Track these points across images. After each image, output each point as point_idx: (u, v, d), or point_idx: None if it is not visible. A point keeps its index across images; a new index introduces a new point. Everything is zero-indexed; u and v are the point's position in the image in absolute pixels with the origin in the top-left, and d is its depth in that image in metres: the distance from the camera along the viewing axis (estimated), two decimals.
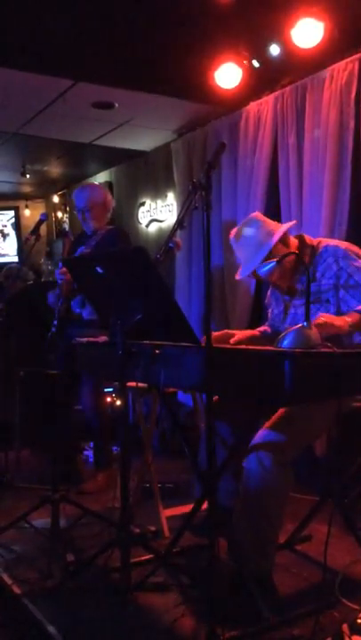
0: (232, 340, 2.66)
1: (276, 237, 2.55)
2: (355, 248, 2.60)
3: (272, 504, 2.24)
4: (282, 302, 2.77)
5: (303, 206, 3.89)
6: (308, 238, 2.67)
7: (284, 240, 2.61)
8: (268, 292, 2.91)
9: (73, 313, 3.83)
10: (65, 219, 7.51)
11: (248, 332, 2.86)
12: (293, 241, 2.66)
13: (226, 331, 2.77)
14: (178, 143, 5.14)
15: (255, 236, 2.59)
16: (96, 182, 6.75)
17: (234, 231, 2.67)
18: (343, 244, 2.59)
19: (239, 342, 2.68)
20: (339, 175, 3.68)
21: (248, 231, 2.61)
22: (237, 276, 2.70)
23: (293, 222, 2.74)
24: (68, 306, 3.82)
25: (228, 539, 2.32)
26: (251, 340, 2.76)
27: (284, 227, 2.63)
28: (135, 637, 2.08)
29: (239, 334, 2.74)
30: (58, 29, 3.56)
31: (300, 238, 2.67)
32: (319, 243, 2.63)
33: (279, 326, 2.75)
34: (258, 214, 2.73)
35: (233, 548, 2.27)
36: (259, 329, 2.95)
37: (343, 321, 2.30)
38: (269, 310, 2.90)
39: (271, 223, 2.66)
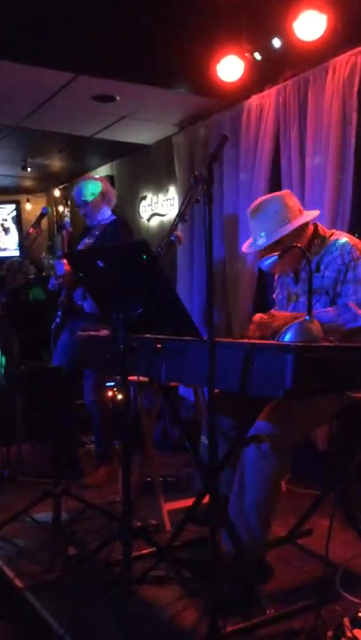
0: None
1: (296, 224, 2.51)
2: None
3: (268, 489, 2.25)
4: (286, 289, 2.76)
5: (305, 200, 3.87)
6: (321, 229, 2.64)
7: (301, 226, 2.56)
8: (276, 276, 2.87)
9: (75, 305, 3.83)
10: (66, 212, 7.47)
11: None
12: (310, 228, 2.62)
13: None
14: (179, 137, 5.12)
15: (277, 215, 2.53)
16: (97, 176, 6.72)
17: (256, 203, 2.62)
18: (353, 240, 2.55)
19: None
20: (341, 168, 3.67)
21: (271, 207, 2.55)
22: (247, 249, 2.65)
23: (317, 213, 2.65)
24: (70, 298, 3.82)
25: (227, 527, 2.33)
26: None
27: (309, 215, 2.59)
28: (137, 631, 2.08)
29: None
30: (58, 22, 3.54)
31: (315, 227, 2.63)
32: (332, 235, 2.61)
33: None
34: (288, 191, 2.68)
35: (231, 534, 2.28)
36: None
37: (284, 320, 2.32)
38: (275, 294, 2.88)
39: (295, 207, 2.59)
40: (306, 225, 2.58)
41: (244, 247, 2.68)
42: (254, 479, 2.25)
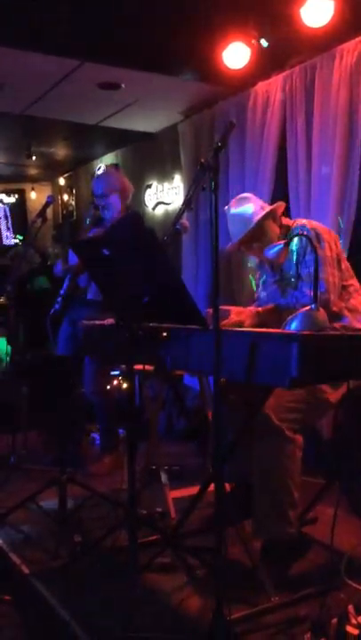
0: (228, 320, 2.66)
1: (258, 217, 2.65)
2: (322, 230, 2.60)
3: (289, 466, 2.30)
4: (270, 284, 2.80)
5: (312, 188, 3.86)
6: (285, 220, 2.75)
7: (275, 219, 2.71)
8: (257, 276, 2.98)
9: (79, 289, 3.83)
10: (71, 201, 7.48)
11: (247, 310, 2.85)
12: (278, 220, 2.74)
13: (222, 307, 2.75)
14: (185, 124, 5.09)
15: (243, 213, 2.68)
16: (102, 164, 6.70)
17: (227, 207, 2.77)
18: (312, 225, 2.62)
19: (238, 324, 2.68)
20: (348, 156, 3.64)
21: (238, 208, 2.71)
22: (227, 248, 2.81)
23: (280, 204, 2.79)
24: (75, 284, 3.82)
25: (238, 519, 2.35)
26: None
27: (271, 207, 2.72)
28: (142, 617, 2.09)
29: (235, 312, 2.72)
30: (63, 9, 3.52)
31: (280, 219, 2.75)
32: (294, 222, 2.71)
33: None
34: (250, 194, 2.83)
35: (257, 519, 2.34)
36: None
37: (251, 317, 2.50)
38: (257, 292, 2.94)
39: (260, 202, 2.76)
40: (272, 219, 2.69)
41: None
42: (273, 462, 2.29)
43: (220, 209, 1.90)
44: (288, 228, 2.69)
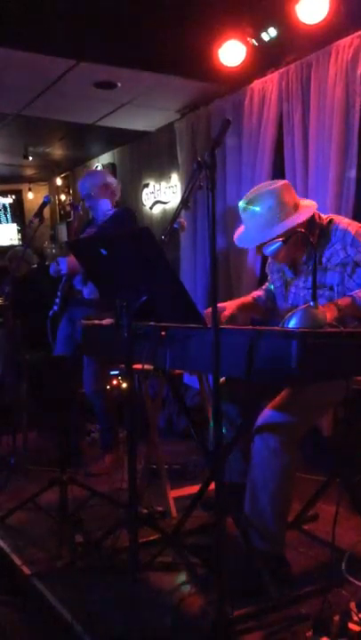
0: (223, 317, 2.57)
1: (289, 224, 2.41)
2: None
3: (281, 485, 2.25)
4: (282, 276, 2.69)
5: (309, 185, 3.85)
6: (318, 216, 2.52)
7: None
8: (269, 260, 2.77)
9: (75, 291, 3.83)
10: (68, 201, 7.47)
11: (239, 301, 2.79)
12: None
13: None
14: (181, 123, 5.09)
15: (269, 212, 2.43)
16: (99, 164, 6.70)
17: (249, 195, 2.52)
18: (353, 228, 2.43)
19: (232, 316, 2.63)
20: (345, 153, 3.64)
21: (264, 203, 2.44)
22: (237, 242, 2.57)
23: (314, 206, 2.51)
24: (70, 284, 3.82)
25: (238, 517, 2.33)
26: (242, 308, 2.73)
27: (304, 214, 2.45)
28: (144, 616, 2.09)
29: (229, 307, 2.65)
30: (59, 8, 3.51)
31: (312, 216, 2.49)
32: (330, 223, 2.48)
33: (280, 304, 2.72)
34: (285, 183, 2.53)
35: (243, 526, 2.29)
36: (252, 294, 2.89)
37: (332, 310, 2.23)
38: (269, 277, 2.82)
39: (290, 201, 2.47)
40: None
41: (236, 239, 2.59)
42: (266, 476, 2.24)
43: (217, 207, 1.90)
44: (322, 227, 2.48)
